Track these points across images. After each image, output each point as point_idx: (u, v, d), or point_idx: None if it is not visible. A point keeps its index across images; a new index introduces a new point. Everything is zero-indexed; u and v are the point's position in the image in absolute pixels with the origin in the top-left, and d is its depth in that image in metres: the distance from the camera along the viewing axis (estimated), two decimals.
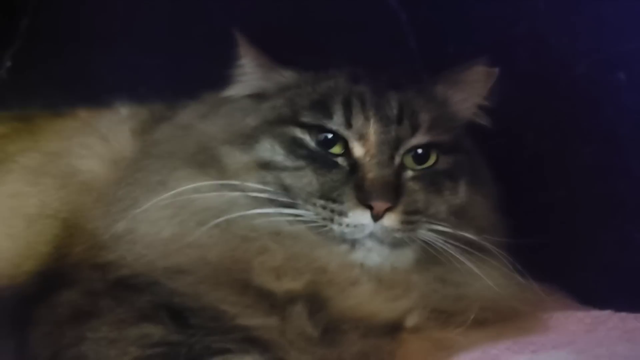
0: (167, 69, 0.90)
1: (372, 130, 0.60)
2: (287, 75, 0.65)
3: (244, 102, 0.66)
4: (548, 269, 0.71)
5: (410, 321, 0.56)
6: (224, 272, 0.56)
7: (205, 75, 0.74)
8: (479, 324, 0.55)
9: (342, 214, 0.56)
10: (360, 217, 0.56)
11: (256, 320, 0.53)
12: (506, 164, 0.72)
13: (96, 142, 0.70)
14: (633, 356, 0.45)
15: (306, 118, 0.61)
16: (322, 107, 0.61)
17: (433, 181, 0.61)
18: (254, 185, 0.59)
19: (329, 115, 0.60)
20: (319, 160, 0.59)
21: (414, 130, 0.61)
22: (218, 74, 0.68)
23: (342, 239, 0.57)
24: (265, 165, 0.60)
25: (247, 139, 0.62)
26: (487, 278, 0.58)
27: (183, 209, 0.59)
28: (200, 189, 0.59)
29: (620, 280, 0.66)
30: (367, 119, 0.60)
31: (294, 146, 0.60)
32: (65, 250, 0.63)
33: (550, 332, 0.53)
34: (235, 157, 0.61)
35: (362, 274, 0.57)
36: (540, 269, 0.70)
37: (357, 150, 0.60)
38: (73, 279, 0.59)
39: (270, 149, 0.61)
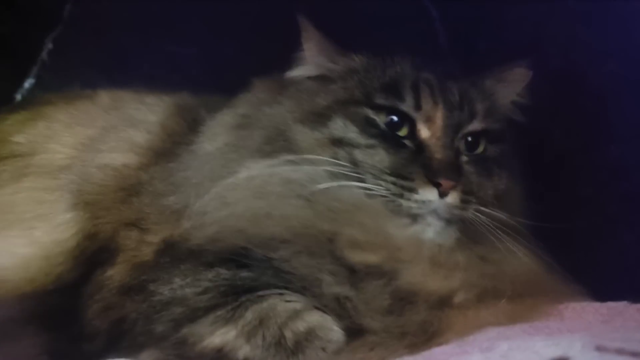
0: (201, 58, 0.92)
1: (440, 114, 0.64)
2: (357, 59, 0.69)
3: (308, 83, 0.68)
4: (569, 264, 0.71)
5: (459, 297, 0.58)
6: (311, 241, 0.58)
7: (239, 65, 0.75)
8: (507, 302, 0.58)
9: (412, 190, 0.60)
10: (428, 194, 0.60)
11: (336, 288, 0.56)
12: (532, 160, 0.72)
13: (124, 131, 0.72)
14: None
15: (379, 100, 0.64)
16: (394, 90, 0.65)
17: (484, 166, 0.66)
18: (330, 160, 0.61)
19: (401, 98, 0.64)
20: (389, 139, 0.63)
21: (472, 117, 0.66)
22: (251, 63, 0.70)
23: (407, 214, 0.61)
24: (338, 142, 0.63)
25: (319, 118, 0.64)
26: (523, 257, 0.61)
27: (266, 184, 0.61)
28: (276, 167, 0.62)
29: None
30: (435, 103, 0.65)
31: (366, 125, 0.63)
32: (93, 235, 0.66)
33: (566, 320, 0.53)
34: (307, 135, 0.64)
35: (422, 249, 0.60)
36: (561, 265, 0.70)
37: (424, 132, 0.64)
38: (112, 255, 0.63)
39: (343, 127, 0.63)
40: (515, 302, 0.58)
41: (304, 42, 0.68)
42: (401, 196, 0.60)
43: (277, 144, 0.64)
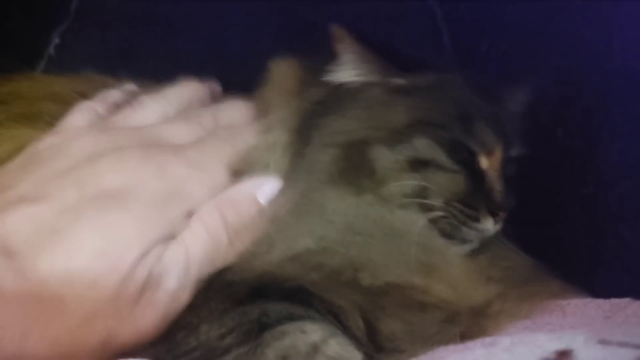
0: (207, 55, 0.93)
1: (499, 147, 0.66)
2: (429, 76, 0.66)
3: (375, 91, 0.64)
4: (570, 264, 0.71)
5: (495, 307, 0.59)
6: (397, 292, 0.57)
7: (245, 62, 0.75)
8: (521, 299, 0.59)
9: (476, 219, 0.62)
10: (488, 224, 0.62)
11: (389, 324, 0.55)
12: (534, 159, 0.72)
13: None
14: None
15: (456, 130, 0.63)
16: (467, 121, 0.64)
17: (511, 187, 0.67)
18: (415, 184, 0.60)
19: (472, 133, 0.64)
20: (468, 167, 0.63)
21: (513, 143, 0.68)
22: (258, 63, 0.70)
23: (461, 239, 0.62)
24: (421, 165, 0.61)
25: (399, 136, 0.61)
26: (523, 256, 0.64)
27: (365, 226, 0.58)
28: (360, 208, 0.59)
29: None
30: (498, 137, 0.65)
31: (452, 150, 0.62)
32: None
33: (569, 316, 0.54)
34: (388, 156, 0.60)
35: (465, 268, 0.61)
36: (563, 265, 0.70)
37: (484, 162, 0.65)
38: None
39: (429, 148, 0.61)
40: (524, 299, 0.59)
41: (351, 50, 0.63)
42: (464, 224, 0.61)
43: (353, 167, 0.60)
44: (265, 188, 0.58)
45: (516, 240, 0.67)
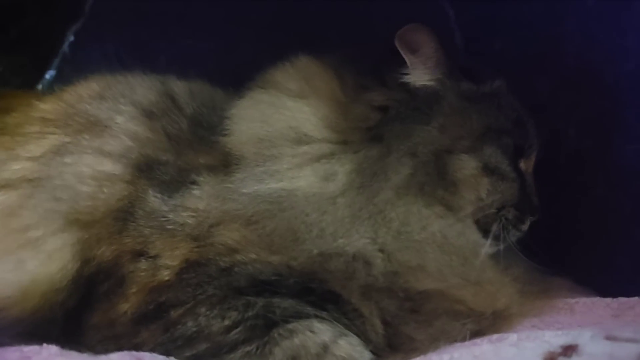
0: (219, 54, 0.93)
1: (536, 152, 0.66)
2: (498, 83, 0.66)
3: (450, 98, 0.62)
4: (581, 263, 0.71)
5: (512, 309, 0.58)
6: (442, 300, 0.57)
7: (256, 63, 0.75)
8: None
9: (523, 222, 0.63)
10: (527, 225, 0.63)
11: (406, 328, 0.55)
12: (546, 159, 0.72)
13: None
14: None
15: (515, 135, 0.63)
16: (522, 125, 0.65)
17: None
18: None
19: (526, 136, 0.65)
20: (521, 174, 0.64)
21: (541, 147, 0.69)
22: (269, 58, 0.70)
23: (504, 241, 0.62)
24: (491, 172, 0.61)
25: (475, 144, 0.60)
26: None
27: (447, 243, 0.58)
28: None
29: None
30: (538, 141, 0.66)
31: (512, 157, 0.63)
32: (91, 259, 0.57)
33: (577, 315, 0.53)
34: (467, 164, 0.60)
35: (494, 273, 0.61)
36: (573, 264, 0.70)
37: (523, 165, 0.65)
38: (120, 284, 0.55)
39: (496, 155, 0.61)
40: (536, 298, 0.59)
41: (429, 52, 0.62)
42: (515, 227, 0.62)
43: (430, 177, 0.58)
44: None
45: (529, 241, 0.66)
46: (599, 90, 0.74)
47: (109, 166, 0.59)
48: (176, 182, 0.58)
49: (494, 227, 0.60)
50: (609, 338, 0.40)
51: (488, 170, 0.60)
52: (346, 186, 0.57)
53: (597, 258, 0.71)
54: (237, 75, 0.75)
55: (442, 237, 0.58)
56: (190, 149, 0.60)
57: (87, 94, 0.66)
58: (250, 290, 0.53)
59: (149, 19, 0.91)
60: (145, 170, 0.59)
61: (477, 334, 0.54)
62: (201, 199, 0.57)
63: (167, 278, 0.54)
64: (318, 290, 0.53)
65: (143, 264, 0.55)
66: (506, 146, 0.61)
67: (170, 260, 0.55)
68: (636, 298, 0.52)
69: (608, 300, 0.54)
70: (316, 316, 0.52)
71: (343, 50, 0.69)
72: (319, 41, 0.81)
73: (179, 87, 0.68)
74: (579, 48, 0.76)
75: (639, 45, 0.69)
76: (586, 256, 0.72)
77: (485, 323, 0.56)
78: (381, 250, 0.56)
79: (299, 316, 0.52)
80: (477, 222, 0.61)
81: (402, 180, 0.58)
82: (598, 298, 0.56)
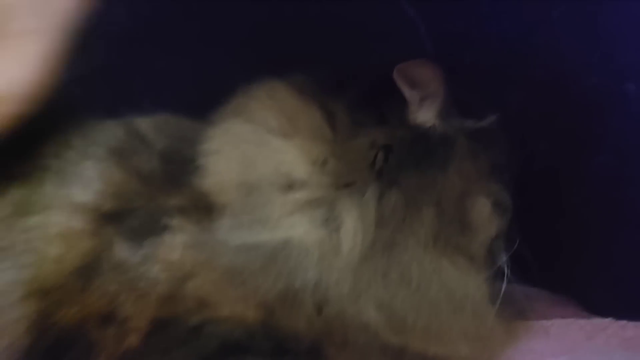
0: (192, 74, 0.92)
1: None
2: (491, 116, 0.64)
3: (461, 138, 0.59)
4: (554, 276, 0.71)
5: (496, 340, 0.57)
6: None
7: (231, 82, 0.74)
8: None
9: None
10: None
11: None
12: (518, 173, 0.73)
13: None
14: None
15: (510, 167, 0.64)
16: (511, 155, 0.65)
17: None
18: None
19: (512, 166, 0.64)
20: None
21: None
22: (244, 81, 0.69)
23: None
24: (498, 210, 0.60)
25: (486, 182, 0.59)
26: None
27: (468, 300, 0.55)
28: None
29: (628, 290, 0.66)
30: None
31: (509, 190, 0.62)
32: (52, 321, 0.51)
33: (551, 339, 0.54)
34: (482, 207, 0.58)
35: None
36: (547, 277, 0.70)
37: None
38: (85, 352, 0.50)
39: (501, 192, 0.60)
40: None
41: (438, 89, 0.59)
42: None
43: (452, 226, 0.55)
44: None
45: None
46: (567, 104, 0.75)
47: (79, 220, 0.53)
48: (147, 227, 0.52)
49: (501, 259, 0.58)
50: None
51: (497, 208, 0.59)
52: (357, 238, 0.52)
53: (569, 270, 0.72)
54: (212, 95, 0.75)
55: (463, 295, 0.54)
56: (161, 189, 0.55)
57: None
58: (221, 356, 0.49)
59: (115, 37, 0.89)
60: (114, 217, 0.53)
61: None
62: (174, 248, 0.52)
63: (135, 344, 0.49)
64: (294, 351, 0.49)
65: (111, 330, 0.50)
66: (506, 181, 0.61)
67: (138, 321, 0.50)
68: (609, 319, 0.53)
69: (582, 322, 0.55)
70: None
71: (316, 71, 0.66)
72: (286, 58, 0.80)
73: (145, 122, 0.61)
74: (546, 62, 0.76)
75: (602, 60, 0.70)
76: (558, 268, 0.73)
77: None
78: (392, 314, 0.51)
79: None
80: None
81: (428, 233, 0.53)
82: (572, 320, 0.56)
